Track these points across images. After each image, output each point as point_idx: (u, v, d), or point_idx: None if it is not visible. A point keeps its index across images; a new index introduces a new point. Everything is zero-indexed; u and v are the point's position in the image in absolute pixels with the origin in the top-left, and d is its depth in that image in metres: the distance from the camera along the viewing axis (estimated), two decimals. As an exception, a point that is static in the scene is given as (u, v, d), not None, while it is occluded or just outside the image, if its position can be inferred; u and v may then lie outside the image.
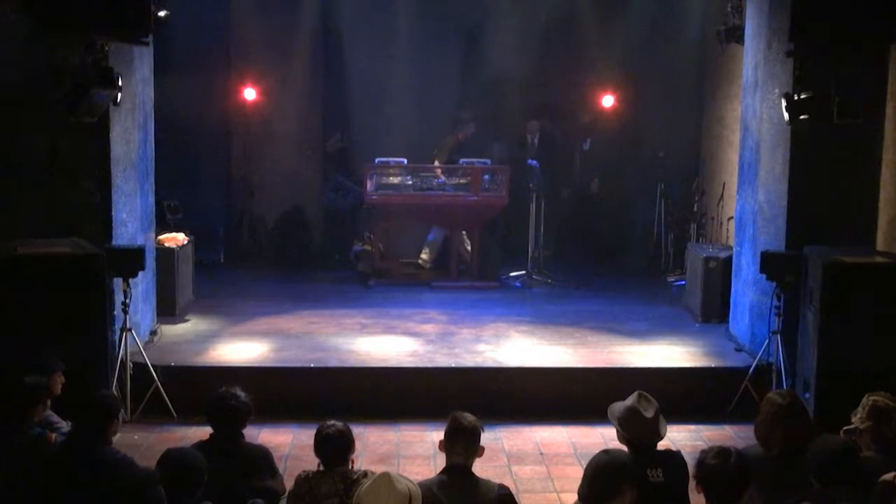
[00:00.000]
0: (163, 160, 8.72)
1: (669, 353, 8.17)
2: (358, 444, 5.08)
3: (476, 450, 4.56)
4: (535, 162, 11.06)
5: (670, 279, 11.06)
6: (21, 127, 7.27)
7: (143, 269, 7.33)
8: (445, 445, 4.56)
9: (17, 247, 6.83)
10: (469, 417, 4.59)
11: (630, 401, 4.68)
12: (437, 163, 10.88)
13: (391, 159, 10.71)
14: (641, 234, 12.03)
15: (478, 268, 10.72)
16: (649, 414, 4.60)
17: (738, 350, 8.16)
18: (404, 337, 8.55)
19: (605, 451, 4.11)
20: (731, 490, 4.01)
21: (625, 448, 4.58)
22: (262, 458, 5.11)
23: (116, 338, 7.18)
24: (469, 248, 10.83)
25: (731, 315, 8.74)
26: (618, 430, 4.67)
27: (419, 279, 10.77)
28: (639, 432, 4.58)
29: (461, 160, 10.74)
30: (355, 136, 11.88)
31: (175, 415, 7.23)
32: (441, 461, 4.64)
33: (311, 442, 4.74)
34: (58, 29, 6.79)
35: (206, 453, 4.85)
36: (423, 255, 11.12)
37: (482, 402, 6.39)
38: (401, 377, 7.64)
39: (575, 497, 4.07)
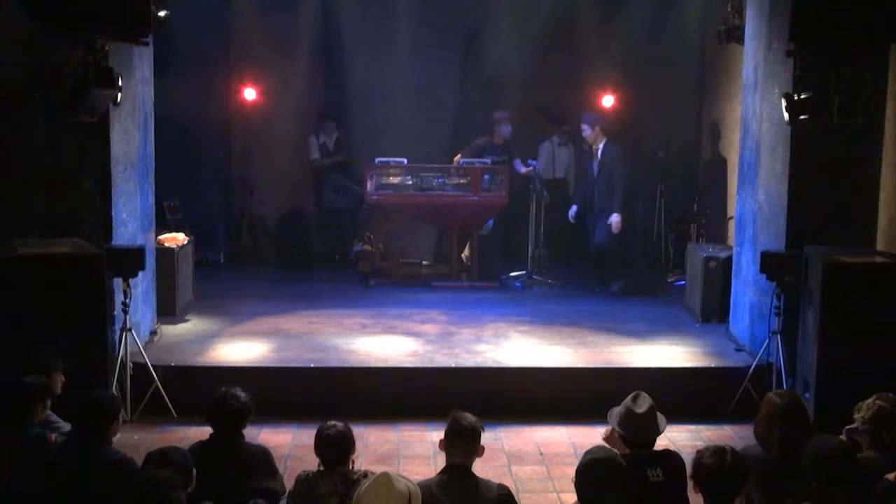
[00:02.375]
0: (163, 160, 8.71)
1: (669, 353, 8.17)
2: (358, 444, 5.08)
3: (476, 450, 4.56)
4: (535, 162, 11.05)
5: (670, 279, 11.07)
6: (21, 127, 7.27)
7: (143, 269, 7.33)
8: (445, 445, 4.56)
9: (17, 247, 6.82)
10: (469, 417, 4.59)
11: (625, 401, 4.68)
12: (457, 159, 10.80)
13: (391, 159, 10.71)
14: (641, 234, 12.03)
15: (478, 268, 10.72)
16: (641, 409, 4.59)
17: (738, 350, 8.16)
18: (404, 337, 8.54)
19: (588, 452, 4.13)
20: (728, 489, 4.01)
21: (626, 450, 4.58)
22: (262, 458, 5.10)
23: (116, 338, 7.18)
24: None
25: (731, 315, 8.74)
26: (619, 433, 4.67)
27: (419, 279, 10.77)
28: (634, 430, 4.58)
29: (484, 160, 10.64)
30: (355, 136, 11.87)
31: (175, 415, 7.23)
32: (441, 461, 4.64)
33: (311, 442, 4.74)
34: (58, 29, 6.78)
35: (206, 453, 4.87)
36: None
37: (482, 402, 6.37)
38: (401, 377, 7.64)
39: (574, 497, 4.07)
